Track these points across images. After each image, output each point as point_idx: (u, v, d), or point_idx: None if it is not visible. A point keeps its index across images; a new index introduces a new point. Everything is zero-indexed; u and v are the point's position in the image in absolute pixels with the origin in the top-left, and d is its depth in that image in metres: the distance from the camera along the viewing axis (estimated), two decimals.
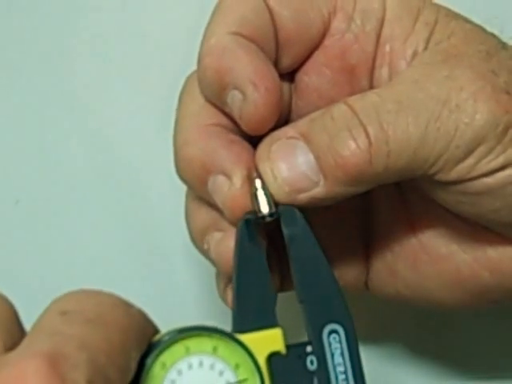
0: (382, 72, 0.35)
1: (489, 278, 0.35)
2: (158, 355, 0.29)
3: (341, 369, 0.31)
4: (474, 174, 0.32)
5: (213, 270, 0.37)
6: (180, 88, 0.36)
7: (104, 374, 0.25)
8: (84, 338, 0.26)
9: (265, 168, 0.33)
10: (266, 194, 0.33)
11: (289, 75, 0.36)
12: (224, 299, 0.36)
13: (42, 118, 0.47)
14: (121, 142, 0.47)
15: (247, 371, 0.30)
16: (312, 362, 0.31)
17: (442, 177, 0.32)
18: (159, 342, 0.29)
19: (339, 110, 0.33)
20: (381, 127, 0.32)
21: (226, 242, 0.34)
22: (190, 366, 0.30)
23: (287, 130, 0.33)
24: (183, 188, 0.37)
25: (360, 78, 0.35)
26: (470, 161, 0.32)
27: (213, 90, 0.33)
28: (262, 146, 0.33)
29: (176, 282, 0.47)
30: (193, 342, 0.30)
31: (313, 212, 0.34)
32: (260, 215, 0.33)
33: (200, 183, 0.34)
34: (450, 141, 0.31)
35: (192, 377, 0.30)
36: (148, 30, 0.46)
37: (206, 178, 0.33)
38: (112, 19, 0.47)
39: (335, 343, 0.31)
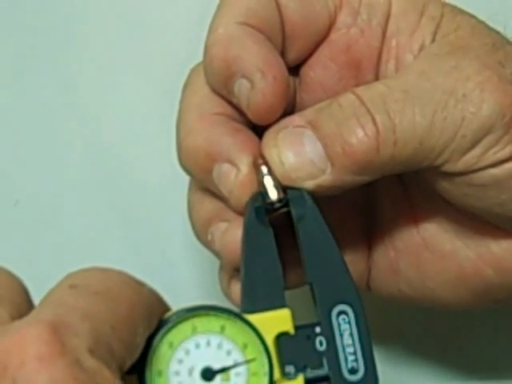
0: (389, 66, 0.35)
1: (492, 275, 0.35)
2: (165, 334, 0.29)
3: (350, 350, 0.31)
4: (481, 164, 0.32)
5: (213, 263, 0.36)
6: (183, 81, 0.36)
7: (107, 345, 0.25)
8: (89, 309, 0.26)
9: (271, 155, 0.32)
10: (273, 180, 0.32)
11: (294, 69, 0.36)
12: (227, 294, 0.36)
13: (42, 118, 0.46)
14: (121, 141, 0.46)
15: (255, 351, 0.30)
16: (321, 343, 0.31)
17: (448, 168, 0.32)
18: (166, 320, 0.29)
19: (347, 98, 0.33)
20: (388, 116, 0.32)
21: (231, 232, 0.34)
22: (198, 346, 0.30)
23: (294, 119, 0.33)
24: (184, 181, 0.37)
25: (365, 72, 0.35)
26: (476, 151, 0.32)
27: (220, 79, 0.33)
28: (269, 134, 0.33)
29: (177, 277, 0.46)
30: (200, 322, 0.30)
31: None
32: (269, 201, 0.32)
33: (204, 172, 0.33)
34: (456, 130, 0.31)
35: (199, 356, 0.29)
36: (150, 24, 0.46)
37: (211, 166, 0.33)
38: (113, 15, 0.46)
39: (344, 324, 0.31)
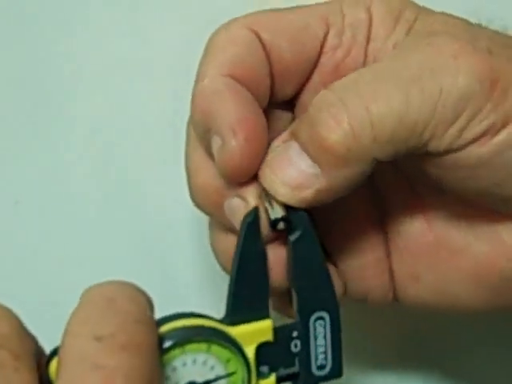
0: None
1: (508, 268, 0.35)
2: None
3: (322, 349, 0.33)
4: (468, 136, 0.31)
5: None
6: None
7: None
8: (126, 368, 0.26)
9: (265, 176, 0.33)
10: (276, 202, 0.33)
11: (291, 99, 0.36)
12: None
13: (42, 118, 0.46)
14: (121, 140, 0.47)
15: (236, 364, 0.31)
16: (296, 345, 0.33)
17: (435, 145, 0.31)
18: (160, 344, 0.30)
19: (319, 95, 0.32)
20: (359, 97, 0.31)
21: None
22: (185, 364, 0.31)
23: (281, 135, 0.34)
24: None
25: None
26: (460, 122, 0.31)
27: (199, 131, 0.34)
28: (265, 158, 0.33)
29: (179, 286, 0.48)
30: (190, 346, 0.31)
31: (331, 228, 0.36)
32: (272, 221, 0.32)
33: (216, 208, 0.34)
34: (435, 102, 0.31)
35: (185, 373, 0.31)
36: (155, 32, 0.46)
37: (221, 202, 0.33)
38: (114, 21, 0.46)
39: (320, 328, 0.33)
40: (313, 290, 0.33)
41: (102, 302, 0.28)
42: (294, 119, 0.36)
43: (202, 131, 0.33)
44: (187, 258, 0.48)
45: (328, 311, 0.33)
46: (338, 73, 0.35)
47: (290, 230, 0.33)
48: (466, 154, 0.32)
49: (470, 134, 0.31)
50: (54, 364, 0.28)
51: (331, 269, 0.36)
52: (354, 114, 0.31)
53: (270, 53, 0.34)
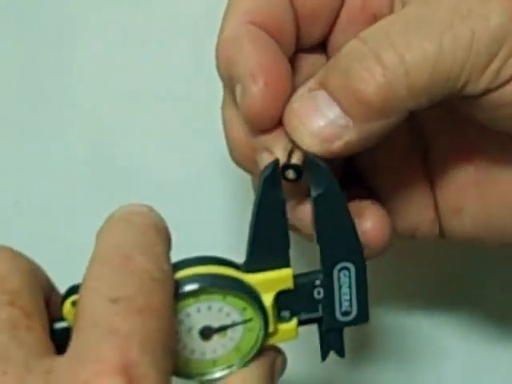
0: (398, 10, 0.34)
1: None
2: None
3: (346, 297, 0.32)
4: (504, 77, 0.31)
5: None
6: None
7: (163, 371, 0.26)
8: (142, 334, 0.25)
9: (293, 126, 0.32)
10: (297, 152, 0.32)
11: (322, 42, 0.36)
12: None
13: (42, 118, 0.46)
14: (122, 141, 0.47)
15: (252, 312, 0.30)
16: (319, 293, 0.32)
17: (472, 89, 0.31)
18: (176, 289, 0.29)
19: (350, 45, 0.32)
20: (393, 48, 0.31)
21: (303, 206, 0.34)
22: (199, 310, 0.30)
23: (307, 84, 0.33)
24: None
25: None
26: (496, 64, 0.31)
27: (225, 81, 0.34)
28: (288, 106, 0.33)
29: None
30: (205, 296, 0.30)
31: (376, 168, 0.36)
32: (281, 167, 0.32)
33: (251, 163, 0.33)
34: (469, 46, 0.30)
35: (200, 318, 0.30)
36: (155, 32, 0.46)
37: (254, 156, 0.33)
38: (114, 21, 0.46)
39: (344, 278, 0.32)
40: (337, 241, 0.32)
41: (118, 259, 0.27)
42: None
43: (226, 81, 0.33)
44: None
45: (354, 262, 0.32)
46: (365, 11, 0.34)
47: (301, 180, 0.32)
48: (503, 93, 0.31)
49: (505, 75, 0.31)
50: (68, 304, 0.28)
51: (378, 209, 0.35)
52: (388, 64, 0.30)
53: None
